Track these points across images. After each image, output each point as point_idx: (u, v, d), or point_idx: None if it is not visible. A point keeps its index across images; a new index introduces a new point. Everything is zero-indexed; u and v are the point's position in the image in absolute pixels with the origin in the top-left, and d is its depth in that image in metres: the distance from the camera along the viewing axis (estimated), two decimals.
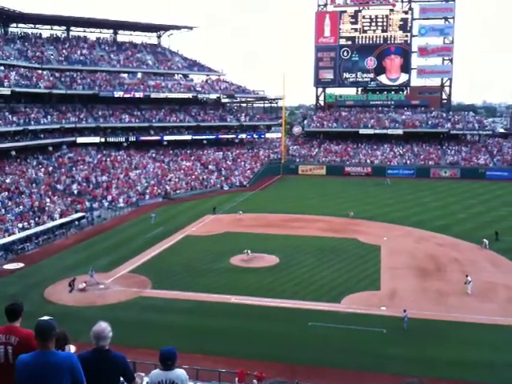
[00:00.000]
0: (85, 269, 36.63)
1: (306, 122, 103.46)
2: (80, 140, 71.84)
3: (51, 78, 73.24)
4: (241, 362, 23.72)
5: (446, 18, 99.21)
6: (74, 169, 65.79)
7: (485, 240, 43.97)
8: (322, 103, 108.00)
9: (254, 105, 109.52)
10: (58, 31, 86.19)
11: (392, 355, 25.14)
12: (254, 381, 21.67)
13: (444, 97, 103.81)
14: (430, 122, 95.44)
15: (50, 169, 63.47)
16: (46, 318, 4.92)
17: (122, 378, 5.47)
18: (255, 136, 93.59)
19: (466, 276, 33.84)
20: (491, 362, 24.40)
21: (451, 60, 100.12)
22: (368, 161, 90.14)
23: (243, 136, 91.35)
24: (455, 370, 23.80)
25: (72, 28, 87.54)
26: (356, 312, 30.36)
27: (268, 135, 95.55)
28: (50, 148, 66.80)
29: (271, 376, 22.38)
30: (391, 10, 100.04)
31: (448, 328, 28.23)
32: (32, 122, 65.75)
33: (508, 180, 79.68)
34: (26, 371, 4.64)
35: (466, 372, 23.63)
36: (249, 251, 40.68)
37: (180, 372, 5.75)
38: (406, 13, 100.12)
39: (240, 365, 22.74)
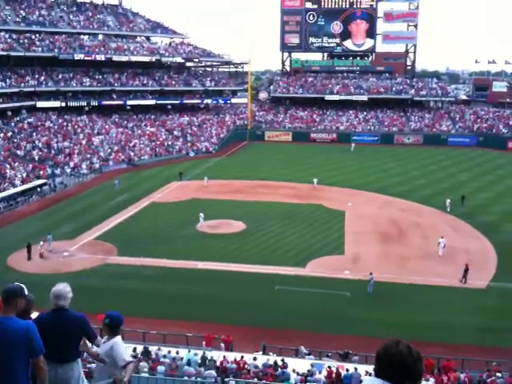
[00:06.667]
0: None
1: (272, 87, 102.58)
2: (40, 104, 69.66)
3: (8, 40, 70.25)
4: (208, 326, 24.01)
5: None
6: (34, 134, 64.02)
7: (448, 200, 45.30)
8: (288, 68, 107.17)
9: (220, 69, 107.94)
10: None
11: (355, 317, 25.86)
12: (222, 344, 22.00)
13: (408, 63, 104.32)
14: (394, 89, 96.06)
15: (10, 134, 61.54)
16: (15, 284, 4.85)
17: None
18: (221, 101, 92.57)
19: (442, 237, 34.60)
20: (449, 323, 25.34)
21: (416, 26, 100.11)
22: (333, 127, 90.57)
23: (209, 101, 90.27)
24: (414, 331, 24.66)
25: None
26: (321, 276, 30.98)
27: (234, 100, 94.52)
28: (9, 113, 64.68)
29: (238, 339, 22.82)
30: None
31: (409, 291, 29.14)
32: None
33: (469, 146, 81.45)
34: None
35: (424, 332, 24.39)
36: (202, 215, 40.67)
37: (116, 338, 5.88)
38: None
39: (207, 329, 23.01)
